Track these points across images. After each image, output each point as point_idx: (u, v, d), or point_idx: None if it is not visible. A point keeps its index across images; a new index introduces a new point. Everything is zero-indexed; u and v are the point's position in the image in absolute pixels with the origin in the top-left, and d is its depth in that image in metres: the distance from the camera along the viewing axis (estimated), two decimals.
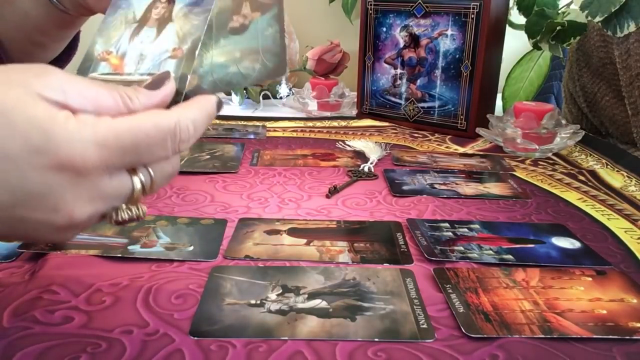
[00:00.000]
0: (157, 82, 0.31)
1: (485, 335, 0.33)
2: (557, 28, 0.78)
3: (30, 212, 0.26)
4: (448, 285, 0.39)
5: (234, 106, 0.98)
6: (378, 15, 0.85)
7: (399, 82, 0.86)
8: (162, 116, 0.28)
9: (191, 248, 0.43)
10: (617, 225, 0.50)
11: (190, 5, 0.36)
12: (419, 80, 0.84)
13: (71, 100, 0.26)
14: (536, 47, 0.83)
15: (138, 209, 0.30)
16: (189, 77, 0.34)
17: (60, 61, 0.52)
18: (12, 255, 0.41)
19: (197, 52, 0.34)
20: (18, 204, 0.26)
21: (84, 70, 0.34)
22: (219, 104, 0.33)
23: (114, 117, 0.27)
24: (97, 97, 0.27)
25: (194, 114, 0.30)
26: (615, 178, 0.63)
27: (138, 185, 0.29)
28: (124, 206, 0.30)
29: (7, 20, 0.45)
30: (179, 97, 0.32)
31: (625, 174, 0.64)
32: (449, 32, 0.79)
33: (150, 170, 0.29)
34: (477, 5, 0.75)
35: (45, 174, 0.25)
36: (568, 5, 0.85)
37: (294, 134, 0.81)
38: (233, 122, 0.88)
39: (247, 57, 0.35)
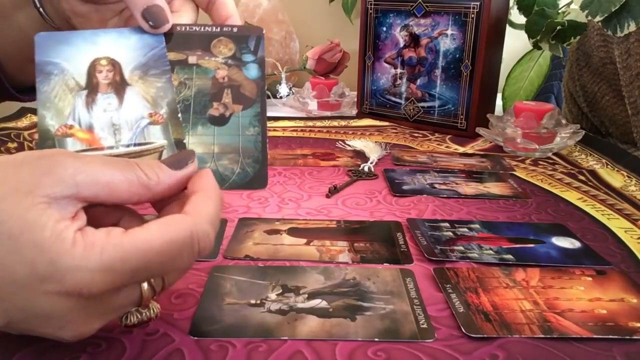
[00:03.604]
0: (179, 161, 0.30)
1: (485, 335, 0.33)
2: (557, 28, 0.78)
3: (39, 327, 0.27)
4: (448, 285, 0.39)
5: None
6: (378, 14, 0.85)
7: (399, 81, 0.86)
8: (176, 228, 0.27)
9: None
10: (617, 225, 0.50)
11: (141, 68, 0.34)
12: (419, 80, 0.84)
13: (84, 192, 0.26)
14: (536, 46, 0.83)
15: (150, 311, 0.30)
16: (185, 142, 0.33)
17: None
18: None
19: (179, 115, 0.34)
20: (26, 321, 0.26)
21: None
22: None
23: (126, 231, 0.26)
24: (111, 183, 0.27)
25: (210, 213, 0.29)
26: (615, 178, 0.63)
27: (148, 293, 0.29)
28: (133, 310, 0.30)
29: (3, 35, 0.45)
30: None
31: (625, 173, 0.64)
32: (449, 32, 0.78)
33: (165, 276, 0.29)
34: (477, 5, 0.75)
35: (51, 299, 0.25)
36: (568, 4, 0.85)
37: (294, 134, 0.81)
38: None
39: (226, 156, 0.34)
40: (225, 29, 0.36)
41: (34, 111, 0.86)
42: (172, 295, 0.37)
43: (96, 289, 0.25)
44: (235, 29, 0.37)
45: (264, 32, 0.37)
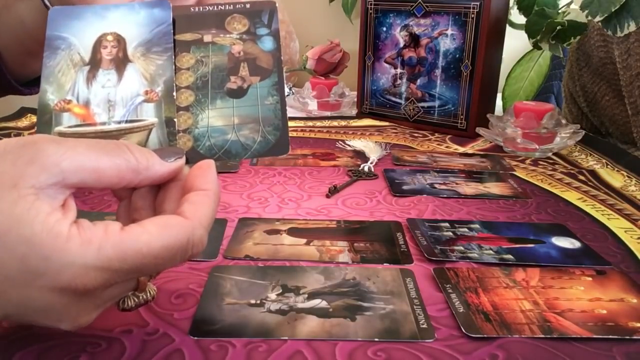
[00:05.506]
0: (169, 154, 0.30)
1: (485, 335, 0.33)
2: (557, 28, 0.78)
3: (37, 319, 0.27)
4: (448, 285, 0.39)
5: None
6: (378, 14, 0.85)
7: (399, 81, 0.86)
8: (175, 233, 0.27)
9: None
10: (617, 225, 0.50)
11: (145, 44, 0.34)
12: (419, 80, 0.84)
13: (70, 178, 0.25)
14: (536, 46, 0.83)
15: (146, 294, 0.30)
16: (175, 120, 0.33)
17: None
18: None
19: (174, 94, 0.34)
20: (24, 314, 0.26)
21: (44, 125, 0.32)
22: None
23: (124, 229, 0.26)
24: (98, 168, 0.26)
25: (208, 217, 0.29)
26: (615, 178, 0.63)
27: (144, 280, 0.29)
28: (130, 293, 0.30)
29: (3, 26, 0.44)
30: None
31: (625, 173, 0.64)
32: (449, 32, 0.78)
33: None
34: (477, 5, 0.75)
35: (46, 294, 0.25)
36: (568, 4, 0.85)
37: (294, 134, 0.81)
38: None
39: (247, 126, 0.34)
40: (238, 6, 0.37)
41: (34, 111, 0.86)
42: (172, 295, 0.37)
43: (91, 285, 0.25)
44: (247, 5, 0.37)
45: (277, 4, 0.37)
